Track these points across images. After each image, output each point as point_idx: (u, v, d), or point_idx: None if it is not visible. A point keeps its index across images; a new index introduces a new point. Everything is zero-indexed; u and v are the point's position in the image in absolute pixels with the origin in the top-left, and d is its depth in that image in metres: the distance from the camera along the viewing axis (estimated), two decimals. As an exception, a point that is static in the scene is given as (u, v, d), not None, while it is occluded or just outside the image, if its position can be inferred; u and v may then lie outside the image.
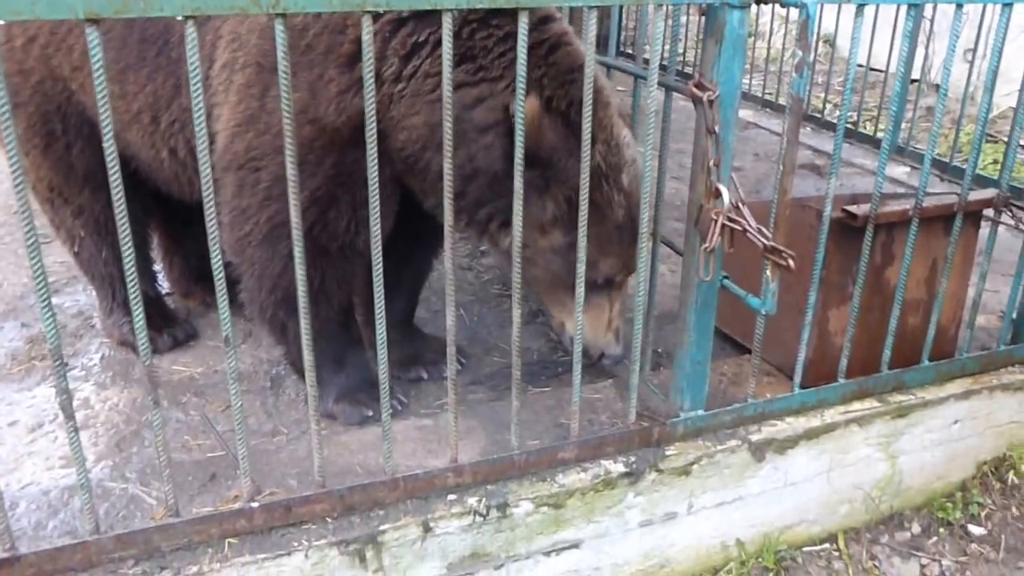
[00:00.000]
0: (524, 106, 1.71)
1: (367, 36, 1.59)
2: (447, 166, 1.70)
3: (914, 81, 5.71)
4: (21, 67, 2.51)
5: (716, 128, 1.86)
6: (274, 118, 2.06)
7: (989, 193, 2.49)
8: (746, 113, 5.72)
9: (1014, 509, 2.62)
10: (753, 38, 6.77)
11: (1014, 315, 2.64)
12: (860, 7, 2.01)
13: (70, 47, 2.44)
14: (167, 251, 3.25)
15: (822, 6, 2.10)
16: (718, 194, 1.88)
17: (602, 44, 2.99)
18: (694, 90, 1.88)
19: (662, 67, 2.06)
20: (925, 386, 2.52)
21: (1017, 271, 2.59)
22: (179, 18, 1.47)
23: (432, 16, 1.96)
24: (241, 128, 2.15)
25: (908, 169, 4.72)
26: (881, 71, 5.56)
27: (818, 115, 5.72)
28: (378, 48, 2.00)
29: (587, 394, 2.46)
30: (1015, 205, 2.45)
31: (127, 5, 1.42)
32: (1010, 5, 2.19)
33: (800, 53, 1.75)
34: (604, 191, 2.10)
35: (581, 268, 1.91)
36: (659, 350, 2.84)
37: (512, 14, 1.85)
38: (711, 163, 1.89)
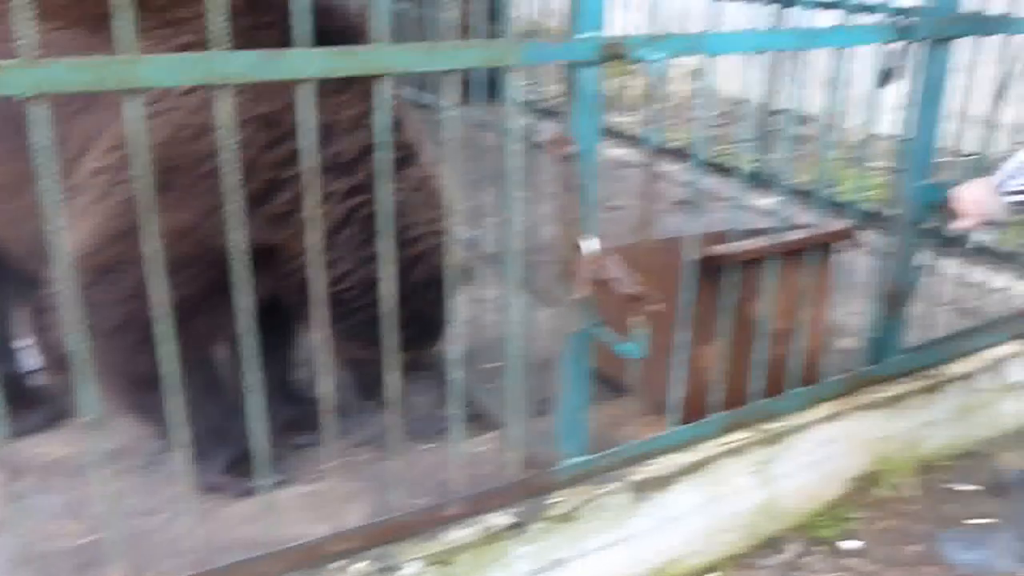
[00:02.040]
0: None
1: (226, 109, 1.58)
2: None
3: (780, 112, 6.01)
4: None
5: (576, 182, 1.92)
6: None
7: (840, 225, 2.64)
8: (619, 152, 5.90)
9: (882, 521, 2.76)
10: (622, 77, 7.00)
11: (872, 336, 2.80)
12: (709, 58, 2.12)
13: None
14: (36, 324, 3.10)
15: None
16: (583, 246, 1.94)
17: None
18: (553, 146, 1.94)
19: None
20: (795, 412, 2.64)
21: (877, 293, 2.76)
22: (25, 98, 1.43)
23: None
24: (114, 238, 2.08)
25: (779, 198, 4.92)
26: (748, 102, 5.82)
27: (697, 152, 5.91)
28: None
29: (473, 447, 2.47)
30: (866, 228, 2.60)
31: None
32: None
33: (647, 110, 1.82)
34: None
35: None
36: (544, 397, 2.88)
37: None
38: (573, 216, 1.95)
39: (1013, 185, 2.21)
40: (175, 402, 1.70)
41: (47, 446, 2.68)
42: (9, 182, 2.29)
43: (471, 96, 2.38)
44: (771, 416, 2.60)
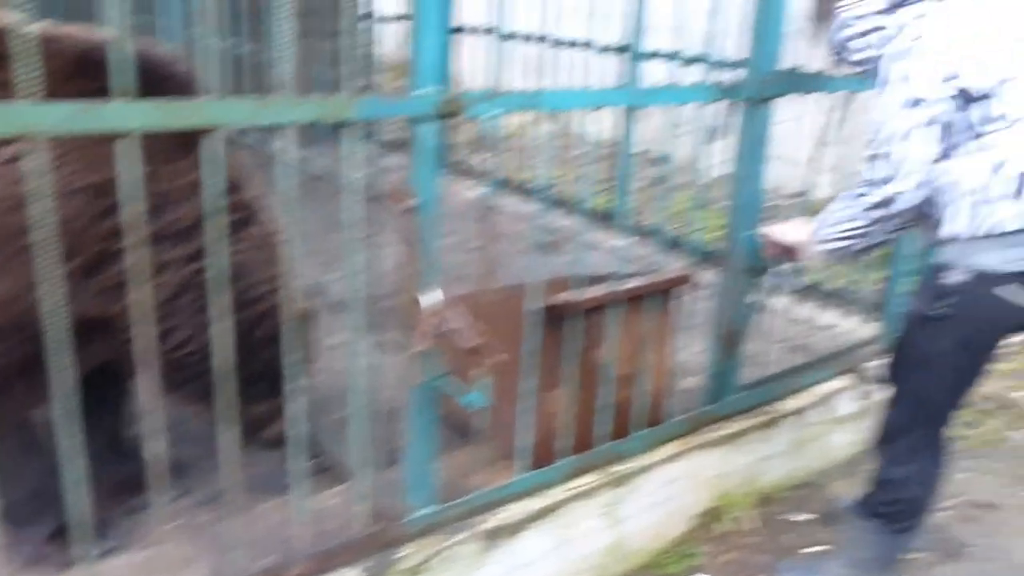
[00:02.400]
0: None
1: (36, 164, 1.49)
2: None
3: (640, 153, 6.21)
4: None
5: (416, 235, 1.92)
6: None
7: (680, 271, 2.74)
8: (484, 193, 5.96)
9: (725, 555, 2.86)
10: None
11: (711, 376, 2.91)
12: (548, 114, 2.18)
13: None
14: None
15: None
16: (424, 298, 1.94)
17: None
18: (393, 199, 1.94)
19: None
20: (640, 454, 2.70)
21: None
22: None
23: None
24: None
25: (635, 238, 5.06)
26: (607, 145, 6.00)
27: (551, 193, 6.03)
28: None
29: (319, 502, 2.41)
30: (696, 282, 2.72)
31: None
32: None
33: (481, 163, 1.85)
34: None
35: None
36: (394, 447, 2.84)
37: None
38: (414, 269, 1.94)
39: (827, 234, 2.36)
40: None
41: None
42: None
43: (318, 135, 2.35)
44: (617, 458, 2.65)
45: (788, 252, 2.57)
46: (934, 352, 2.36)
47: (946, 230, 2.23)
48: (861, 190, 2.25)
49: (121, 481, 2.51)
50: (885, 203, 2.21)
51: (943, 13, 2.20)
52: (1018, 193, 2.14)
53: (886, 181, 2.19)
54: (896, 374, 2.59)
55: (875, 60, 2.27)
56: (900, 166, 2.17)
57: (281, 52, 1.74)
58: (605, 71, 5.03)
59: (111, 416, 2.60)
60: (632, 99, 2.34)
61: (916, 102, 2.15)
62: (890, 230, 2.32)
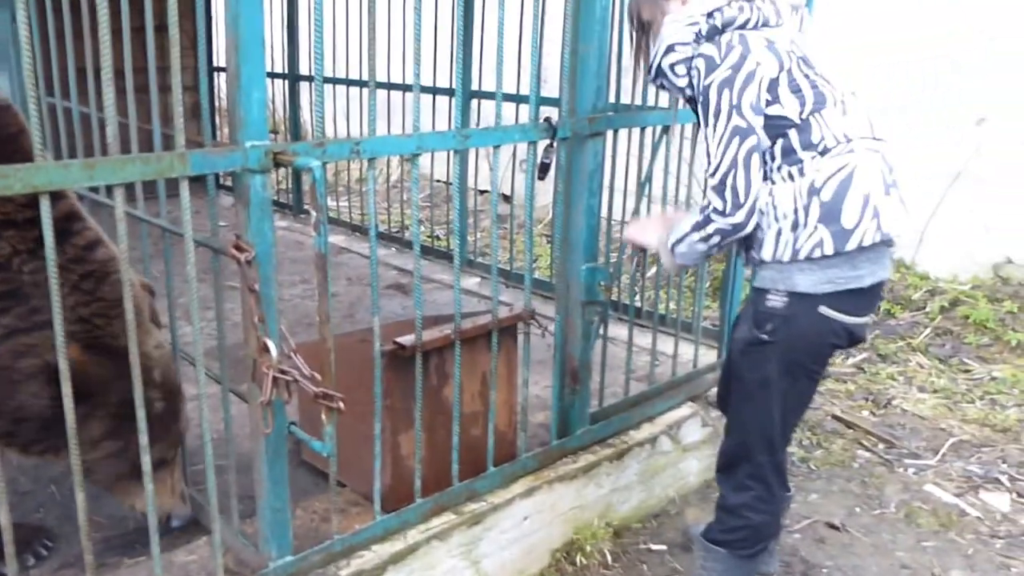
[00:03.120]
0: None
1: None
2: None
3: (483, 192, 6.33)
4: None
5: (256, 286, 1.94)
6: None
7: (519, 309, 2.83)
8: (338, 239, 5.97)
9: (584, 587, 2.94)
10: (334, 164, 7.12)
11: (559, 409, 3.01)
12: (371, 160, 2.25)
13: None
14: None
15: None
16: (267, 348, 1.95)
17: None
18: (233, 251, 1.95)
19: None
20: (494, 491, 2.76)
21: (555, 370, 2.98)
22: None
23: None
24: None
25: (479, 279, 5.17)
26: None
27: (398, 235, 6.10)
28: None
29: (182, 556, 2.38)
30: (539, 317, 2.81)
31: None
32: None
33: (314, 213, 1.90)
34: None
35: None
36: (252, 495, 2.80)
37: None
38: (256, 319, 1.96)
39: (678, 249, 2.44)
40: None
41: None
42: None
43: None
44: (472, 497, 2.70)
45: (642, 249, 2.76)
46: (760, 378, 2.45)
47: (765, 252, 2.36)
48: (710, 217, 2.32)
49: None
50: (733, 230, 2.31)
51: (758, 42, 2.30)
52: (833, 217, 2.26)
53: (732, 210, 2.27)
54: (727, 403, 2.72)
55: (699, 87, 2.33)
56: (740, 195, 2.26)
57: (108, 112, 1.75)
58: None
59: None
60: (455, 142, 2.43)
61: (743, 131, 2.25)
62: (728, 246, 2.47)
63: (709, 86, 2.29)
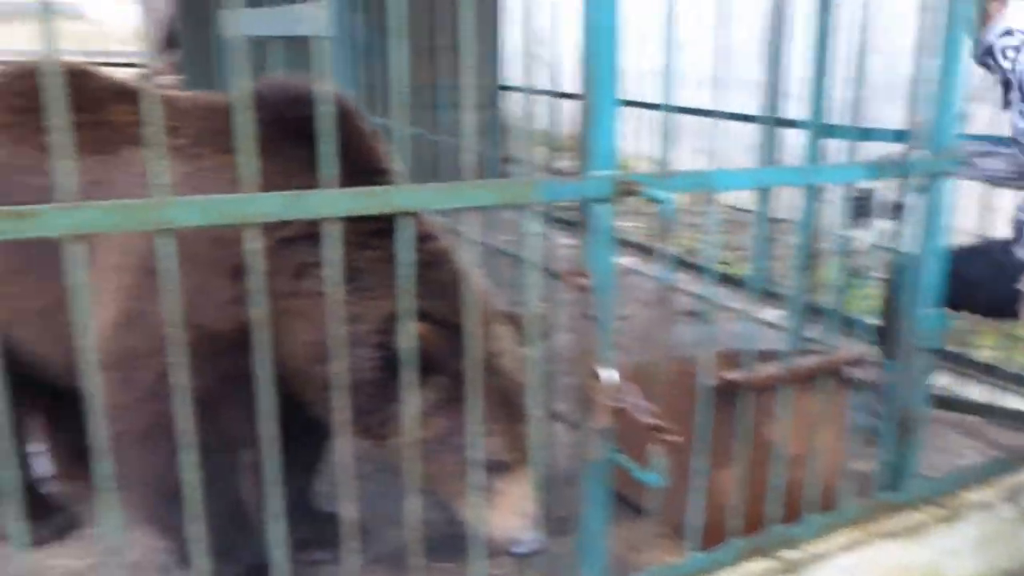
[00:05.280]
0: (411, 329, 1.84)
1: (254, 246, 1.63)
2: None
3: (780, 221, 6.06)
4: None
5: (594, 313, 1.96)
6: (153, 320, 2.07)
7: (854, 351, 2.65)
8: (626, 260, 5.98)
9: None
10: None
11: (887, 461, 2.78)
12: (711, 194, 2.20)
13: None
14: (51, 432, 3.12)
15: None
16: (602, 376, 1.96)
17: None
18: (570, 279, 1.99)
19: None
20: (813, 539, 2.60)
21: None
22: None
23: (317, 237, 2.04)
24: (120, 329, 2.15)
25: (781, 312, 4.95)
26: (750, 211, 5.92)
27: (694, 261, 6.00)
28: (271, 264, 2.07)
29: (491, 570, 2.45)
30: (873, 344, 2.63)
31: (7, 228, 1.43)
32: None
33: (659, 245, 1.87)
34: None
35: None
36: (561, 516, 2.85)
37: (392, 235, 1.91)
38: (591, 346, 1.98)
39: None
40: (196, 517, 1.70)
41: (60, 558, 2.67)
42: (47, 305, 2.35)
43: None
44: (789, 543, 2.56)
45: None
46: None
47: None
48: None
49: (306, 536, 2.64)
50: None
51: None
52: None
53: None
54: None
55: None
56: None
57: (465, 140, 1.85)
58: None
59: (301, 475, 2.73)
60: (801, 178, 2.32)
61: None
62: None
63: None
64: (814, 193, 3.06)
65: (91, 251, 2.23)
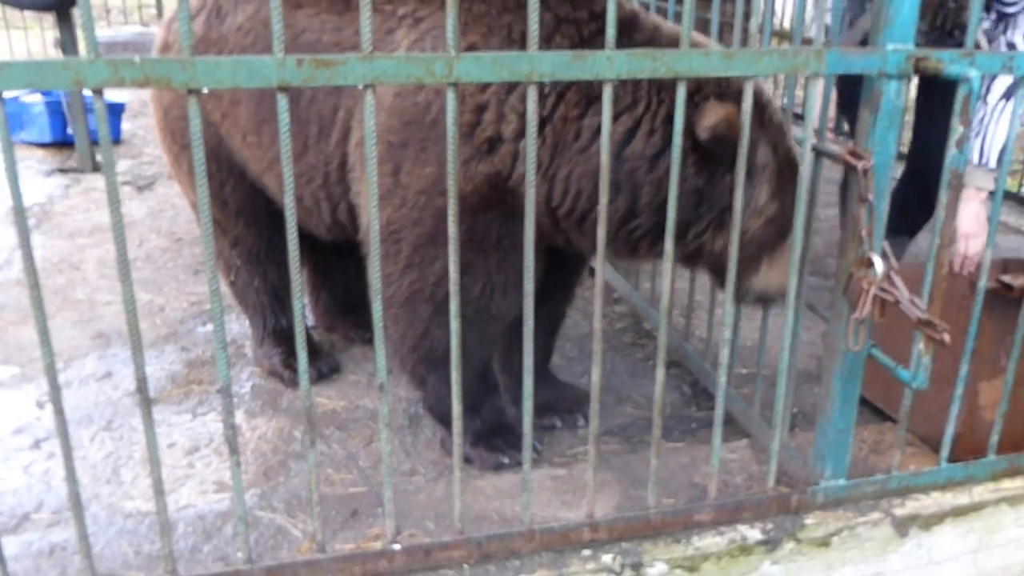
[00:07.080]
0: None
1: (532, 105, 1.65)
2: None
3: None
4: (182, 112, 2.69)
5: (870, 196, 1.85)
6: (408, 192, 2.19)
7: None
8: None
9: None
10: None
11: None
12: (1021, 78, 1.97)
13: (219, 95, 2.61)
14: (313, 285, 3.40)
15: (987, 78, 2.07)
16: (870, 263, 1.86)
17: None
18: (848, 158, 1.87)
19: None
20: (1079, 465, 2.39)
21: None
22: (360, 87, 1.57)
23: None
24: (379, 203, 2.26)
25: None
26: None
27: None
28: (495, 111, 2.11)
29: (723, 453, 2.44)
30: None
31: (313, 75, 1.53)
32: None
33: (960, 128, 1.72)
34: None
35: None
36: (795, 411, 2.79)
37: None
38: (863, 232, 1.87)
39: None
40: (456, 376, 1.80)
41: (320, 398, 2.93)
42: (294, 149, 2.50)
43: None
44: (1055, 468, 2.37)
45: None
46: None
47: None
48: None
49: (542, 403, 2.74)
50: None
51: None
52: None
53: None
54: None
55: None
56: None
57: (754, 6, 1.76)
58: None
59: (540, 345, 2.82)
60: None
61: None
62: None
63: None
64: None
65: (344, 124, 2.35)
